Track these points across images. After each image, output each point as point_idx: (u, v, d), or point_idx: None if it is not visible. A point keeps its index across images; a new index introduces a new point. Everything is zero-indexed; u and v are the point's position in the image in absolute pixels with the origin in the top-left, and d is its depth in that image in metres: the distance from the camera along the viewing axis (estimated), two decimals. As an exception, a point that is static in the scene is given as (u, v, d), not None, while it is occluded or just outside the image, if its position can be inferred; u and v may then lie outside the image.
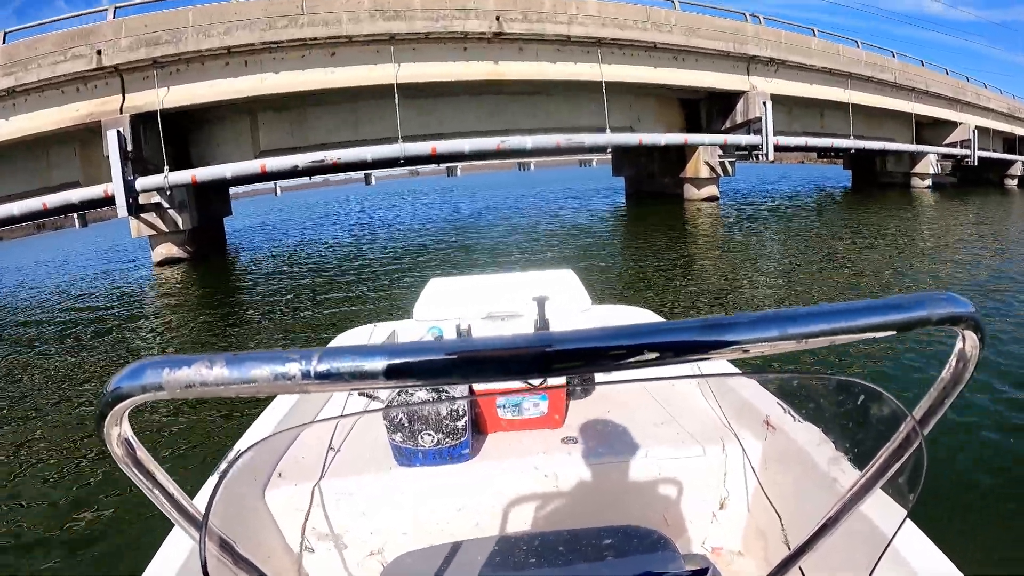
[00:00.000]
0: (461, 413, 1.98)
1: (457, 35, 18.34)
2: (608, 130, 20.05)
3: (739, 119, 24.86)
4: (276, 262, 19.19)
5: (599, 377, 2.28)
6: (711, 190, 26.53)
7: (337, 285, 13.45)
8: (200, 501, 0.82)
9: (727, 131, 25.06)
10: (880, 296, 0.66)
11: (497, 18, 18.44)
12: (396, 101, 17.86)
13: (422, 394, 2.01)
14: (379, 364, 0.58)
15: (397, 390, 1.91)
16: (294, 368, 0.59)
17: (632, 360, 0.59)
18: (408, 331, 3.12)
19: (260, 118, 21.16)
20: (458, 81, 18.88)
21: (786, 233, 17.86)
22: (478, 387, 2.19)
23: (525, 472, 1.95)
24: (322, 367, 0.58)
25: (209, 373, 0.60)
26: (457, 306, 3.05)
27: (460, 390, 2.19)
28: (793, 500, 1.69)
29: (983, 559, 2.93)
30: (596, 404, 2.38)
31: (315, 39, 17.76)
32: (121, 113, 18.33)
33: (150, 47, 18.09)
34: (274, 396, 1.90)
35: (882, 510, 0.92)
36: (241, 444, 2.00)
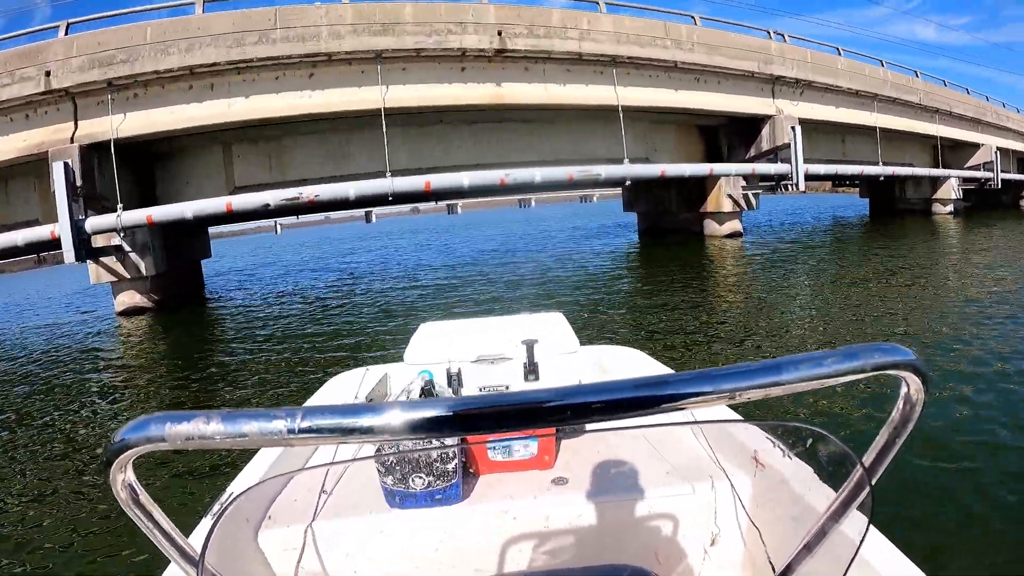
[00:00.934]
0: (451, 456, 1.96)
1: (453, 52, 15.66)
2: (626, 161, 17.27)
3: (765, 146, 22.17)
4: (258, 310, 16.48)
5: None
6: (734, 225, 23.71)
7: (323, 339, 11.20)
8: (196, 540, 0.89)
9: (751, 160, 22.35)
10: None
11: (499, 33, 15.77)
12: (384, 129, 15.11)
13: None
14: (356, 422, 0.66)
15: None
16: (280, 425, 0.66)
17: (577, 419, 0.66)
18: (399, 375, 3.03)
19: (235, 150, 18.44)
20: (455, 106, 16.17)
21: (817, 273, 15.18)
22: None
23: (516, 513, 1.94)
24: (305, 424, 0.66)
25: (206, 428, 0.68)
26: (448, 349, 2.99)
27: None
28: (783, 534, 1.67)
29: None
30: (586, 445, 2.34)
31: (290, 58, 15.07)
32: (72, 142, 15.64)
33: (104, 67, 15.44)
34: None
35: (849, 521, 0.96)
36: (234, 487, 1.96)
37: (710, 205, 23.38)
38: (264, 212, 16.94)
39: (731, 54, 20.26)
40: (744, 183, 23.33)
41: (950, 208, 33.09)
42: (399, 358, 3.24)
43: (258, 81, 15.58)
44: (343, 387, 3.00)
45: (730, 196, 23.02)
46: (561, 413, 0.66)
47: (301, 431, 0.66)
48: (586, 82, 17.43)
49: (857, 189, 41.42)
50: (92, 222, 15.71)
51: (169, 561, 0.87)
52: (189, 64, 15.28)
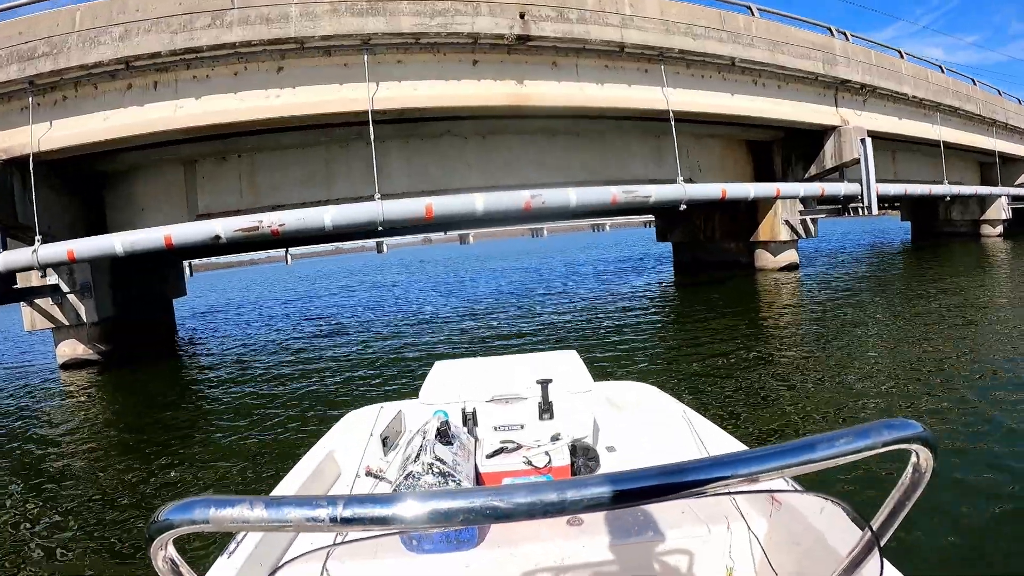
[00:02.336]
0: None
1: (462, 40, 11.79)
2: (680, 179, 13.28)
3: (829, 163, 18.19)
4: (235, 362, 12.90)
5: (603, 459, 2.44)
6: (790, 256, 19.66)
7: (311, 401, 8.57)
8: None
9: (814, 179, 18.36)
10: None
11: (521, 16, 11.89)
12: (372, 138, 11.18)
13: (429, 479, 1.99)
14: (396, 513, 0.68)
15: (405, 474, 1.97)
16: (323, 513, 0.69)
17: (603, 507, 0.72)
18: (414, 413, 2.94)
19: (199, 170, 14.60)
20: (465, 109, 12.25)
21: (887, 318, 11.45)
22: (484, 470, 2.17)
23: (531, 556, 1.92)
24: (347, 513, 0.69)
25: (250, 513, 0.70)
26: (462, 389, 2.85)
27: (466, 473, 2.10)
28: (799, 572, 1.64)
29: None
30: None
31: (251, 45, 11.22)
32: (-16, 158, 11.91)
33: (23, 63, 11.72)
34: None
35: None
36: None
37: (763, 233, 19.35)
38: (213, 246, 13.23)
39: (793, 52, 16.37)
40: (801, 207, 19.33)
41: (999, 230, 29.66)
42: (414, 394, 3.08)
43: (213, 78, 11.74)
44: (358, 425, 2.96)
45: (787, 223, 19.02)
46: (596, 502, 0.71)
47: (343, 520, 0.69)
48: (628, 81, 13.55)
49: (896, 211, 37.42)
50: (3, 258, 11.89)
51: None
52: (124, 56, 11.47)
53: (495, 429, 2.65)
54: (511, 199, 10.80)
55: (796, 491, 1.78)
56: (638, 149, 16.78)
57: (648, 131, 16.51)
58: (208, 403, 9.35)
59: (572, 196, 11.39)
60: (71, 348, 14.40)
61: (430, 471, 2.00)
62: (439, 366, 3.26)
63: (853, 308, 12.25)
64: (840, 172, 18.40)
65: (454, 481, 2.00)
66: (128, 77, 11.92)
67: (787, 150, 19.00)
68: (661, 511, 2.00)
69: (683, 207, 13.39)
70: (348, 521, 0.68)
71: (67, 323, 14.14)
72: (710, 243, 21.81)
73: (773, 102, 16.47)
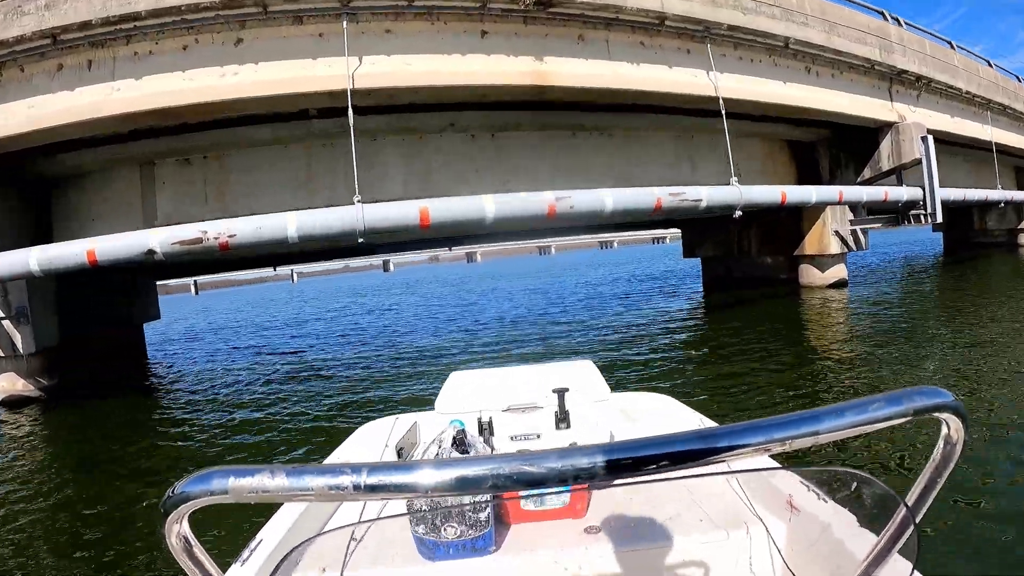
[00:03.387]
0: (484, 505, 1.88)
1: (468, 4, 9.17)
2: (735, 180, 10.62)
3: (885, 164, 15.55)
4: (217, 395, 10.75)
5: None
6: (838, 271, 16.94)
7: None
8: None
9: (866, 183, 15.70)
10: None
11: (541, -24, 9.27)
12: (351, 126, 8.57)
13: None
14: (417, 479, 0.66)
15: None
16: (346, 480, 0.66)
17: (634, 473, 0.67)
18: (429, 423, 2.84)
19: (158, 173, 12.04)
20: (469, 87, 9.56)
21: (952, 348, 8.76)
22: None
23: (548, 564, 1.85)
24: (371, 480, 0.66)
25: (270, 482, 0.67)
26: (478, 398, 2.83)
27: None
28: None
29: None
30: (618, 493, 2.22)
31: (201, 8, 8.65)
32: None
33: (-71, 43, 9.26)
34: None
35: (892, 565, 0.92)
36: (264, 534, 1.86)
37: (810, 245, 16.63)
38: (145, 265, 10.77)
39: (849, 35, 13.78)
40: (851, 215, 16.66)
41: (1038, 238, 27.13)
42: (429, 405, 3.07)
43: (157, 55, 9.19)
44: (373, 436, 2.81)
45: (837, 233, 16.31)
46: (617, 468, 0.67)
47: (367, 487, 0.66)
48: (668, 62, 10.93)
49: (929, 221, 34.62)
50: (-102, 279, 9.44)
51: None
52: (50, 27, 9.01)
53: (511, 439, 2.52)
54: (530, 203, 8.15)
55: (823, 469, 1.92)
56: (668, 150, 14.17)
57: (680, 131, 13.99)
58: (173, 447, 7.55)
59: (607, 199, 8.74)
60: (9, 382, 11.91)
61: (455, 495, 1.48)
62: (455, 376, 3.18)
63: (926, 340, 9.60)
64: (897, 175, 15.75)
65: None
66: (57, 55, 9.44)
67: (835, 151, 16.34)
68: (679, 517, 1.95)
69: (737, 213, 10.74)
70: (372, 488, 0.66)
71: (1, 354, 11.64)
72: (746, 257, 19.05)
73: (829, 93, 13.86)
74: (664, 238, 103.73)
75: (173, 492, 0.70)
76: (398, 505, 2.08)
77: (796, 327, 12.05)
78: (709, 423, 2.59)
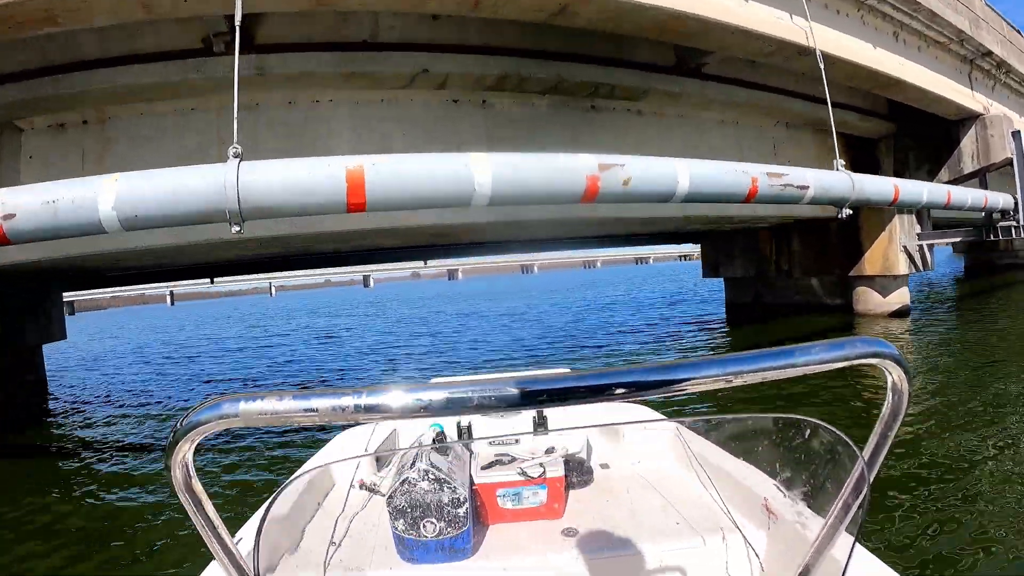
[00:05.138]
0: (462, 500, 1.86)
1: None
2: (839, 164, 6.76)
3: (968, 164, 11.98)
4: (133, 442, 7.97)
5: (596, 474, 2.31)
6: (902, 296, 13.22)
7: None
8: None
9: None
10: None
11: None
12: (235, 56, 4.52)
13: (424, 485, 1.88)
14: (415, 399, 0.71)
15: (401, 480, 1.88)
16: (348, 402, 0.71)
17: (596, 396, 0.74)
18: (408, 429, 2.74)
19: (24, 142, 7.87)
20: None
21: None
22: (479, 481, 2.08)
23: (526, 568, 1.81)
24: (371, 401, 0.71)
25: (279, 405, 0.71)
26: None
27: (461, 481, 1.96)
28: None
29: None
30: (594, 493, 2.23)
31: None
32: None
33: None
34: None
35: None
36: (243, 533, 1.75)
37: (871, 264, 12.88)
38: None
39: (939, 3, 10.19)
40: (919, 228, 13.01)
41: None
42: None
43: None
44: (351, 443, 2.75)
45: (905, 249, 12.60)
46: (585, 392, 0.73)
47: (367, 408, 0.71)
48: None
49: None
50: None
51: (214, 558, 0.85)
52: None
53: (490, 443, 2.39)
54: (556, 170, 4.21)
55: (790, 499, 1.58)
56: (716, 136, 10.42)
57: (726, 108, 10.24)
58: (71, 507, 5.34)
59: (682, 174, 4.85)
60: None
61: (425, 477, 1.86)
62: (435, 382, 1.24)
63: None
64: (981, 179, 12.18)
65: (449, 488, 1.86)
66: None
67: (902, 149, 12.69)
68: (656, 520, 1.93)
69: (843, 213, 6.92)
70: (372, 409, 0.71)
71: None
72: (783, 278, 15.08)
73: (917, 68, 10.22)
74: (638, 258, 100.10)
75: (183, 421, 0.72)
76: (379, 503, 2.05)
77: (868, 389, 8.39)
78: (686, 431, 2.40)
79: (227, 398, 0.72)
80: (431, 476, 1.88)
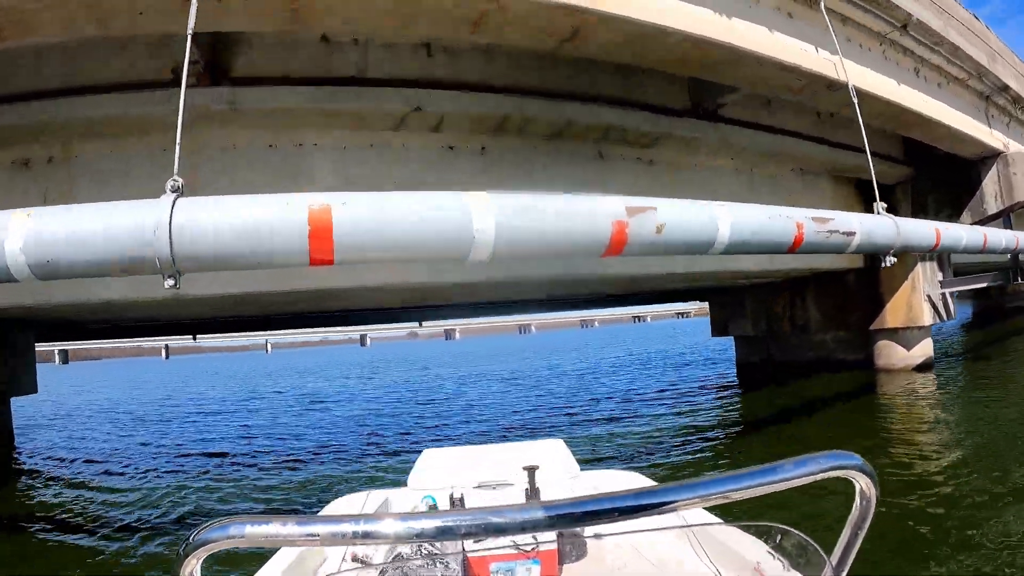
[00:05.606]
0: None
1: None
2: (880, 208, 5.92)
3: (992, 206, 11.30)
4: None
5: (589, 545, 2.26)
6: (925, 348, 12.33)
7: None
8: None
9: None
10: None
11: None
12: (185, 61, 3.69)
13: (417, 561, 1.90)
14: (409, 527, 0.80)
15: (393, 555, 1.92)
16: (347, 528, 0.80)
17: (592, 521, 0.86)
18: (401, 500, 2.73)
19: None
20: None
21: None
22: (472, 554, 2.04)
23: None
24: (369, 528, 0.79)
25: (282, 529, 0.79)
26: (450, 475, 2.74)
27: (454, 556, 1.97)
28: None
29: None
30: (588, 567, 2.18)
31: None
32: None
33: None
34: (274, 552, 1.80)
35: None
36: None
37: (893, 316, 12.00)
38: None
39: (960, 30, 9.63)
40: (940, 276, 12.20)
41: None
42: (402, 482, 2.97)
43: None
44: (345, 510, 2.73)
45: (929, 299, 11.76)
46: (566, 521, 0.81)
47: (365, 534, 0.79)
48: (767, 23, 6.39)
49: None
50: None
51: None
52: None
53: None
54: (574, 216, 3.31)
55: (780, 562, 1.54)
56: (732, 181, 9.67)
57: (740, 155, 9.52)
58: None
59: (723, 221, 3.95)
60: None
61: (419, 552, 1.87)
62: (427, 453, 3.11)
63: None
64: (1006, 219, 11.45)
65: (441, 563, 1.90)
66: None
67: (920, 192, 11.97)
68: None
69: (887, 261, 6.05)
70: (368, 535, 0.79)
71: None
72: (798, 334, 14.06)
73: (940, 106, 9.57)
74: (642, 317, 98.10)
75: (193, 537, 0.79)
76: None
77: (881, 430, 7.48)
78: None
79: (235, 520, 0.79)
80: (424, 551, 1.91)
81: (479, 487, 2.60)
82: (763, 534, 1.58)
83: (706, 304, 18.46)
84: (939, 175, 11.65)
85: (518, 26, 4.82)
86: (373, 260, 2.90)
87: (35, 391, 13.06)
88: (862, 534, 0.94)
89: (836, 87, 6.83)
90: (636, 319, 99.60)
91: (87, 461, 10.76)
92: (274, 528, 0.78)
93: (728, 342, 17.63)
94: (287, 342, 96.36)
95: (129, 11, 4.39)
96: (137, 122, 6.28)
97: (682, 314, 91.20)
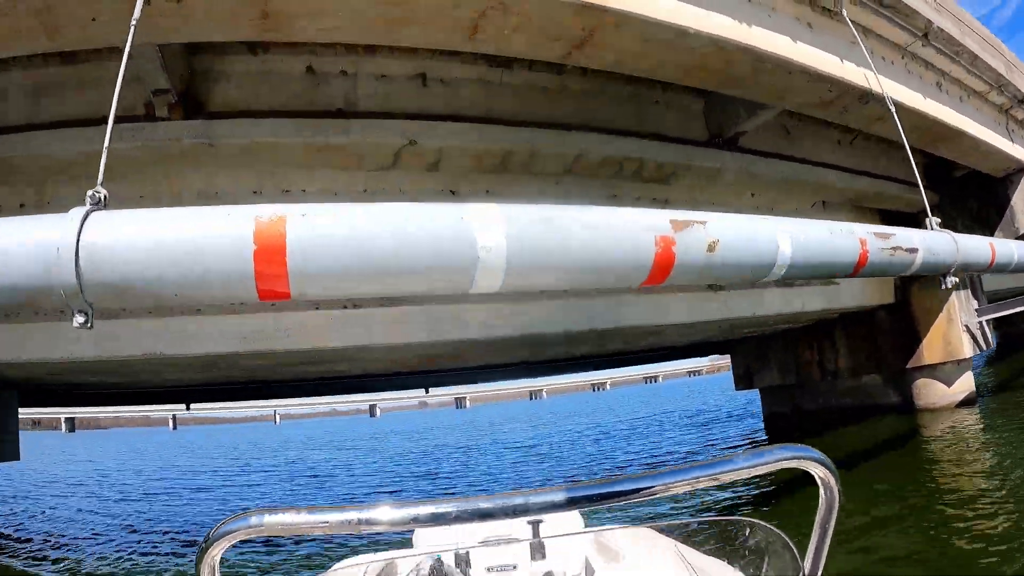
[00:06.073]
0: None
1: None
2: (933, 223, 5.20)
3: (1023, 224, 10.50)
4: None
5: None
6: (967, 383, 11.37)
7: None
8: None
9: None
10: None
11: None
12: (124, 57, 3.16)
13: None
14: (407, 514, 0.89)
15: None
16: (353, 516, 0.89)
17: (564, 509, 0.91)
18: (406, 562, 2.59)
19: None
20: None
21: None
22: None
23: None
24: (370, 515, 0.89)
25: (297, 518, 0.87)
26: (455, 532, 2.57)
27: None
28: None
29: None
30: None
31: None
32: None
33: None
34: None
35: None
36: None
37: (931, 350, 11.07)
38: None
39: (978, 42, 9.13)
40: (976, 303, 11.36)
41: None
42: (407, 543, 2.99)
43: None
44: (349, 572, 2.62)
45: (967, 329, 10.88)
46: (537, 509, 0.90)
47: (368, 521, 0.89)
48: (790, 33, 5.80)
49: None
50: None
51: None
52: None
53: (487, 570, 2.39)
54: (615, 231, 2.58)
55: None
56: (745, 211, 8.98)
57: (752, 179, 8.85)
58: None
59: (782, 238, 3.23)
60: None
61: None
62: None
63: None
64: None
65: None
66: None
67: (947, 217, 11.18)
68: None
69: (949, 282, 5.26)
70: (371, 522, 0.89)
71: None
72: (830, 379, 13.00)
73: (964, 120, 8.98)
74: (654, 377, 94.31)
75: (215, 529, 0.86)
76: None
77: (926, 477, 6.81)
78: (686, 549, 2.25)
79: (254, 512, 0.86)
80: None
81: (484, 543, 2.53)
82: (735, 528, 1.56)
83: (717, 359, 17.60)
84: (962, 199, 11.00)
85: (522, 30, 4.18)
86: (345, 294, 2.12)
87: (16, 458, 12.09)
88: (832, 522, 0.96)
89: (868, 99, 6.21)
90: (648, 380, 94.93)
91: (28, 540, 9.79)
92: (289, 517, 0.85)
93: (751, 396, 16.56)
94: (296, 412, 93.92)
95: (80, 19, 3.75)
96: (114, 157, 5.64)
97: (694, 372, 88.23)
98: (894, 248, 4.33)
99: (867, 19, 6.87)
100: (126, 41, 3.71)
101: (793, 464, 0.93)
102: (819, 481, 0.95)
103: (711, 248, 2.91)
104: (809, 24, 6.25)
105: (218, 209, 2.10)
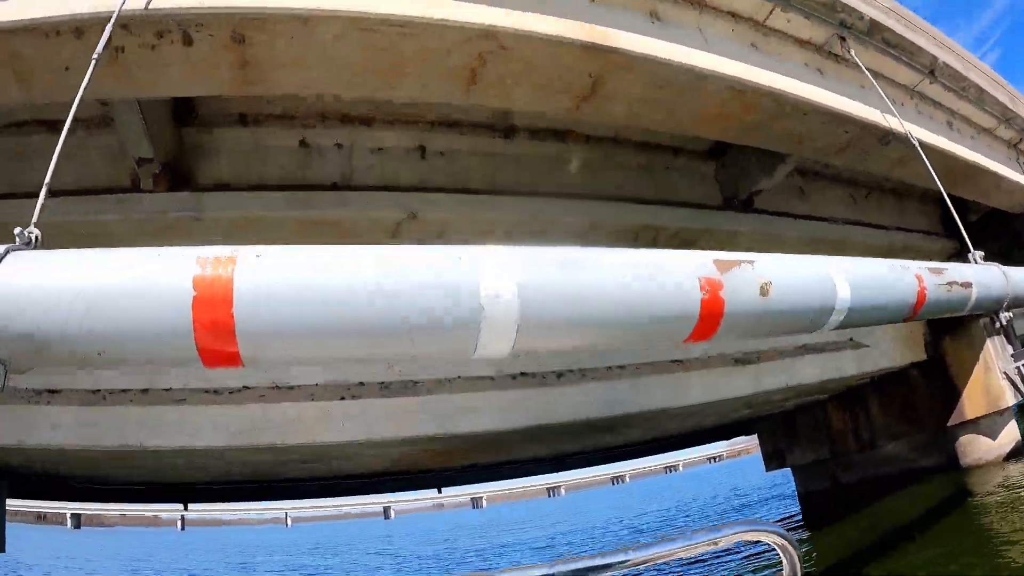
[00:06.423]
0: None
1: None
2: (976, 256, 4.71)
3: (1055, 272, 9.94)
4: None
5: None
6: (1011, 433, 10.56)
7: None
8: None
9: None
10: None
11: None
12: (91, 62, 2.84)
13: None
14: None
15: None
16: None
17: None
18: None
19: None
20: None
21: None
22: None
23: None
24: None
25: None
26: None
27: None
28: None
29: None
30: None
31: None
32: None
33: None
34: None
35: None
36: None
37: (972, 404, 10.29)
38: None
39: (980, 77, 8.97)
40: (1011, 348, 10.72)
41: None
42: None
43: None
44: None
45: (1007, 376, 10.19)
46: None
47: None
48: (797, 74, 5.52)
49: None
50: None
51: None
52: None
53: None
54: (649, 272, 2.12)
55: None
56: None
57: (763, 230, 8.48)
58: None
59: (838, 279, 2.77)
60: None
61: None
62: None
63: None
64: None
65: None
66: None
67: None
68: None
69: (1004, 317, 4.70)
70: None
71: None
72: (867, 449, 12.02)
73: (979, 157, 8.70)
74: (674, 466, 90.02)
75: None
76: None
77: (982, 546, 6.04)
78: None
79: None
80: None
81: None
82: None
83: (736, 443, 16.80)
84: (981, 241, 10.48)
85: (524, 81, 3.84)
86: (311, 358, 1.63)
87: (1, 550, 11.31)
88: None
89: (889, 139, 5.87)
90: (668, 469, 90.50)
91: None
92: None
93: (782, 475, 15.55)
94: (308, 515, 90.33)
95: (54, 67, 3.44)
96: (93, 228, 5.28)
97: (714, 458, 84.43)
98: (950, 283, 3.85)
99: (875, 61, 6.64)
100: (102, 89, 3.40)
101: (749, 536, 0.97)
102: (777, 548, 1.00)
103: (764, 291, 2.41)
104: (819, 70, 6.01)
105: (155, 249, 1.65)
